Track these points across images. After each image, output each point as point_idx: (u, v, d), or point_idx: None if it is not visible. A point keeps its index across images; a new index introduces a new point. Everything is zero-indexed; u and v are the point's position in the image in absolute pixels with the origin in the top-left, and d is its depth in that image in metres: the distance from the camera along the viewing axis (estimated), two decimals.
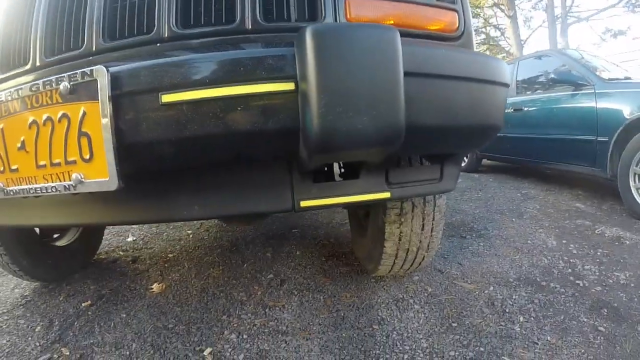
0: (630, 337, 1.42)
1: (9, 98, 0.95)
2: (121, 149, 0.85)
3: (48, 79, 0.90)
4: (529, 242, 2.49)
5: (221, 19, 1.04)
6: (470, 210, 3.36)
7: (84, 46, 1.06)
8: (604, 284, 1.88)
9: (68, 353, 1.51)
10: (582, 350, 1.35)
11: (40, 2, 1.10)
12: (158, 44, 1.03)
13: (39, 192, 0.95)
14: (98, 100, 0.83)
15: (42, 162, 0.94)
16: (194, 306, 1.78)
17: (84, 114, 0.86)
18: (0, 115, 0.97)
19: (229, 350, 1.42)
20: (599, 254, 2.29)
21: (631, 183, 3.05)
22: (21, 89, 0.93)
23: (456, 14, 1.20)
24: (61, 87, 0.87)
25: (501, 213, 3.23)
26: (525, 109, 4.49)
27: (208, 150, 0.89)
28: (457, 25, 1.20)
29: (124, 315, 1.77)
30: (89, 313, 1.84)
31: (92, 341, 1.57)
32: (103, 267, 2.38)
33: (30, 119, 0.93)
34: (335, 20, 1.04)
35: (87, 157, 0.88)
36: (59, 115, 0.89)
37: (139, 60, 0.91)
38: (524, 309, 1.63)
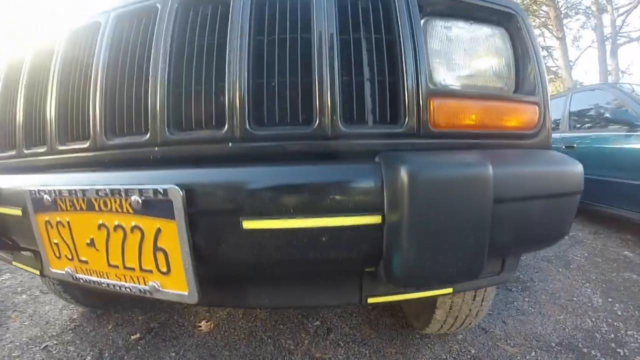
0: None
1: (75, 195, 1.00)
2: (200, 266, 0.93)
3: (117, 187, 0.94)
4: (574, 298, 2.53)
5: (297, 119, 1.03)
6: None
7: (149, 135, 1.06)
8: None
9: None
10: None
11: (98, 80, 1.11)
12: (230, 144, 1.01)
13: (112, 287, 1.04)
14: (174, 220, 0.89)
15: (114, 263, 1.02)
16: (242, 351, 1.93)
17: (159, 230, 0.93)
18: (65, 208, 1.03)
19: None
20: None
21: None
22: (87, 190, 0.98)
23: (537, 108, 1.18)
24: (132, 200, 0.93)
25: (548, 261, 3.28)
26: (577, 146, 4.49)
27: (286, 267, 0.98)
28: (537, 120, 1.19)
29: (173, 354, 1.92)
30: (139, 347, 1.99)
31: None
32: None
33: (99, 222, 0.99)
34: (418, 126, 1.01)
35: (165, 270, 0.96)
36: (131, 226, 0.96)
37: (213, 166, 0.98)
38: None
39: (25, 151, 1.29)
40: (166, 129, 1.04)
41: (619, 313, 2.34)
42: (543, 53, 18.34)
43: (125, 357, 1.90)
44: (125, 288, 1.03)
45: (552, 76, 16.11)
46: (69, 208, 1.02)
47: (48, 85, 1.21)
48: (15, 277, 3.06)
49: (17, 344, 2.07)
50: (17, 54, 1.34)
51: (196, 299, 0.94)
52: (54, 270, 1.13)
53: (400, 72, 1.00)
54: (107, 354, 1.93)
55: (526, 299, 2.52)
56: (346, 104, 1.01)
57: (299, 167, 0.95)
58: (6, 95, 1.38)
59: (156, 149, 1.05)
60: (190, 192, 0.89)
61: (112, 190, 0.95)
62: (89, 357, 1.91)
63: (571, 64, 14.41)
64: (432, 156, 0.94)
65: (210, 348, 1.97)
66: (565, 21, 15.37)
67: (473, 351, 1.91)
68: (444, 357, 1.86)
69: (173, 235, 0.90)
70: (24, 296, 2.72)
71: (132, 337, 2.10)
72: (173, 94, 1.04)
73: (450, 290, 1.16)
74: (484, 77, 1.13)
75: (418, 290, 1.05)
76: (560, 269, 3.08)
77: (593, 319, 2.26)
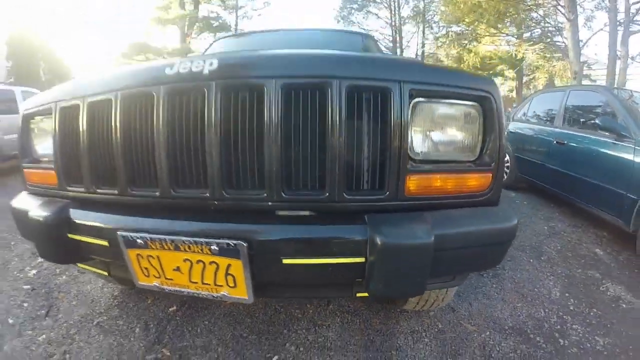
0: None
1: (165, 242, 1.39)
2: (255, 284, 1.42)
3: (199, 240, 1.35)
4: (535, 289, 3.03)
5: (315, 187, 1.42)
6: None
7: (209, 191, 1.42)
8: (581, 347, 2.35)
9: (169, 354, 2.16)
10: None
11: (160, 139, 1.42)
12: (270, 203, 1.40)
13: (190, 294, 1.52)
14: (240, 259, 1.35)
15: (194, 280, 1.47)
16: (260, 318, 2.47)
17: (229, 265, 1.39)
18: (155, 247, 1.43)
19: (291, 355, 2.11)
20: (592, 314, 2.73)
21: None
22: (173, 240, 1.37)
23: (491, 175, 1.54)
24: (212, 248, 1.35)
25: (522, 250, 3.79)
26: (567, 143, 4.89)
27: (308, 281, 1.53)
28: (490, 184, 1.55)
29: (207, 322, 2.45)
30: (177, 318, 2.50)
31: (185, 344, 2.24)
32: None
33: (184, 258, 1.42)
34: (396, 193, 1.43)
35: (232, 285, 1.44)
36: (209, 262, 1.40)
37: (264, 222, 1.41)
38: (506, 356, 2.21)
39: (98, 190, 1.63)
40: (222, 188, 1.41)
41: (571, 308, 2.81)
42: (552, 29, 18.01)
43: (168, 327, 2.40)
44: (202, 295, 1.51)
45: (560, 55, 16.06)
46: (158, 248, 1.42)
47: (113, 136, 1.52)
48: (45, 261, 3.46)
49: (71, 322, 2.50)
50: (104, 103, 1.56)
51: (252, 300, 1.46)
52: (141, 283, 1.57)
53: (388, 154, 1.40)
54: (152, 325, 2.43)
55: (494, 285, 3.04)
56: (348, 176, 1.40)
57: (314, 226, 1.43)
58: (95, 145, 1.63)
59: (216, 202, 1.44)
60: (251, 243, 1.34)
61: (195, 242, 1.36)
62: (137, 329, 2.39)
63: (582, 44, 14.29)
64: (397, 226, 1.36)
65: (235, 316, 2.51)
66: (579, 0, 15.14)
67: (440, 326, 2.45)
68: (417, 328, 2.39)
69: (239, 268, 1.38)
70: (63, 277, 3.15)
71: (170, 309, 2.60)
72: (225, 162, 1.39)
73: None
74: (457, 147, 1.53)
75: (387, 295, 1.56)
76: (531, 260, 3.59)
77: (546, 310, 2.75)
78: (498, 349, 2.28)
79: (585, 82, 17.33)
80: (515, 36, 19.63)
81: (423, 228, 1.34)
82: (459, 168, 1.52)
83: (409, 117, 1.40)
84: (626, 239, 3.92)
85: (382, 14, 31.44)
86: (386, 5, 30.82)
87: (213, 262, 1.39)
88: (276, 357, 2.12)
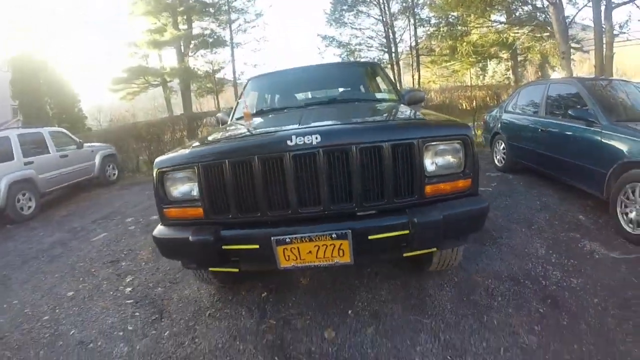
0: (555, 315, 2.96)
1: (303, 238, 2.38)
2: (354, 252, 2.43)
3: (325, 233, 2.34)
4: (525, 250, 4.07)
5: (317, 204, 2.46)
6: (495, 219, 5.02)
7: (322, 206, 2.45)
8: (559, 285, 3.32)
9: (274, 322, 3.13)
10: (525, 319, 2.93)
11: (290, 181, 2.42)
12: (356, 209, 2.48)
13: (314, 266, 2.54)
14: (347, 240, 2.35)
15: (319, 257, 2.46)
16: (329, 289, 3.53)
17: (341, 244, 2.39)
18: (296, 242, 2.39)
19: (359, 310, 3.19)
20: (569, 263, 3.70)
21: (618, 209, 4.37)
22: (310, 236, 2.36)
23: (471, 180, 2.60)
24: (332, 236, 2.33)
25: (517, 222, 4.87)
26: (550, 130, 5.96)
27: (381, 248, 2.61)
28: (471, 185, 2.62)
29: (294, 299, 3.43)
30: (270, 300, 3.45)
31: (284, 314, 3.22)
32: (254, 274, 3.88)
33: (315, 245, 2.39)
34: (420, 196, 2.49)
35: (342, 255, 2.45)
36: (330, 244, 2.37)
37: (356, 221, 2.43)
38: (504, 294, 3.25)
39: (241, 215, 2.60)
40: (330, 204, 2.47)
41: (553, 261, 3.82)
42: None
43: (266, 307, 3.36)
44: (322, 265, 2.53)
45: (548, 35, 16.97)
46: (298, 242, 2.40)
47: (254, 181, 2.50)
48: (135, 278, 4.33)
49: (186, 318, 3.31)
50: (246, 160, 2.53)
51: (353, 262, 2.49)
52: (282, 266, 2.49)
53: (416, 175, 2.48)
54: (253, 308, 3.36)
55: (494, 251, 4.11)
56: (395, 190, 2.48)
57: (380, 218, 2.48)
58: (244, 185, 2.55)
59: (326, 212, 2.48)
60: (353, 231, 2.36)
61: (323, 234, 2.36)
62: (243, 312, 3.31)
63: (568, 22, 15.00)
64: (423, 213, 2.39)
65: (311, 291, 3.55)
66: None
67: (456, 279, 3.52)
68: (440, 282, 3.48)
69: (347, 245, 2.37)
70: (159, 289, 3.95)
71: (262, 295, 3.55)
72: (329, 189, 2.44)
73: (435, 249, 2.80)
74: (452, 166, 2.61)
75: (421, 249, 2.63)
76: (523, 229, 4.65)
77: (533, 263, 3.79)
78: (497, 290, 3.33)
79: (573, 60, 17.90)
80: (504, 22, 20.59)
81: (436, 212, 2.43)
82: (453, 178, 2.60)
83: (424, 153, 2.52)
84: (604, 206, 4.75)
85: (373, 12, 32.06)
86: (375, 3, 31.44)
87: (332, 244, 2.42)
88: (350, 310, 3.18)
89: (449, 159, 2.60)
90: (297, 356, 2.70)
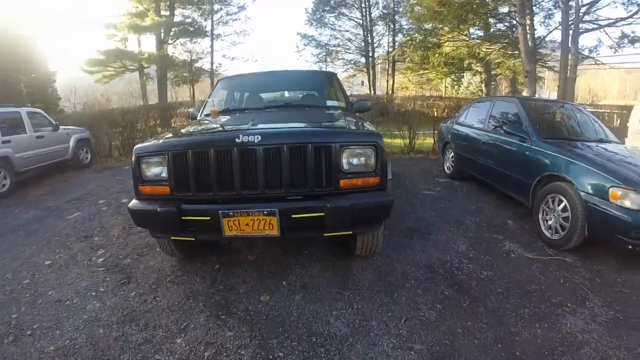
0: (456, 299, 3.65)
1: (243, 212, 3.10)
2: (281, 227, 3.16)
3: (259, 210, 3.08)
4: (448, 245, 4.80)
5: (256, 189, 3.16)
6: (429, 218, 5.81)
7: (259, 190, 3.16)
8: (469, 276, 4.00)
9: (223, 287, 3.82)
10: (430, 298, 3.63)
11: (237, 169, 3.13)
12: (285, 194, 3.18)
13: (251, 236, 3.22)
14: (276, 217, 3.11)
15: (254, 228, 3.13)
16: (272, 265, 4.23)
17: (271, 219, 3.11)
18: (237, 215, 3.10)
19: (292, 282, 3.90)
20: (484, 259, 4.42)
21: (540, 215, 5.13)
22: (248, 211, 3.09)
23: (379, 177, 3.27)
24: (264, 212, 3.08)
25: (447, 222, 5.64)
26: (491, 142, 6.80)
27: (303, 226, 3.29)
28: (380, 181, 3.29)
29: (241, 271, 4.14)
30: (222, 270, 4.16)
31: (231, 282, 3.92)
32: (213, 246, 4.64)
33: (251, 218, 3.09)
34: (336, 188, 3.20)
35: (271, 228, 3.14)
36: (262, 219, 3.09)
37: (284, 202, 3.17)
38: (417, 278, 3.98)
39: (198, 193, 3.25)
40: (265, 189, 3.16)
41: (470, 255, 4.53)
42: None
43: (217, 275, 4.04)
44: (257, 235, 3.22)
45: (517, 53, 17.98)
46: (239, 215, 3.09)
47: (210, 168, 3.19)
48: (107, 250, 4.92)
49: (150, 282, 3.98)
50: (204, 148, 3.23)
51: (280, 235, 3.18)
52: (227, 234, 3.16)
53: (333, 171, 3.19)
54: (206, 276, 4.03)
55: (418, 243, 4.86)
56: (316, 181, 3.18)
57: (304, 202, 3.22)
58: (197, 169, 3.22)
59: (262, 195, 3.18)
60: (280, 210, 3.09)
61: (257, 211, 3.07)
62: (197, 279, 3.98)
63: (538, 43, 16.08)
64: (335, 200, 3.11)
65: (255, 266, 4.25)
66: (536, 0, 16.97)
67: (378, 264, 4.26)
68: (365, 265, 4.21)
69: (275, 220, 3.11)
70: (128, 259, 4.57)
71: (215, 267, 4.24)
72: (265, 178, 3.17)
73: (350, 232, 3.48)
74: (364, 165, 3.30)
75: (336, 231, 3.36)
76: (452, 228, 5.41)
77: (452, 256, 4.50)
78: (412, 274, 4.07)
79: (543, 78, 18.98)
80: (476, 37, 21.81)
81: (346, 200, 3.16)
82: (364, 175, 3.32)
83: (341, 154, 3.23)
84: (531, 214, 5.43)
85: (354, 15, 32.84)
86: (357, 6, 32.16)
87: (264, 219, 3.11)
88: (285, 281, 3.90)
89: (363, 160, 3.32)
90: (237, 312, 3.39)
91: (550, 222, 4.98)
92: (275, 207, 3.12)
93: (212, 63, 30.34)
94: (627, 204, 4.11)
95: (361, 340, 3.04)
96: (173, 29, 27.98)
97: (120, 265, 4.44)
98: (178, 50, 28.91)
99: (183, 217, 3.24)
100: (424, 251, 4.68)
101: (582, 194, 4.51)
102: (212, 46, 30.27)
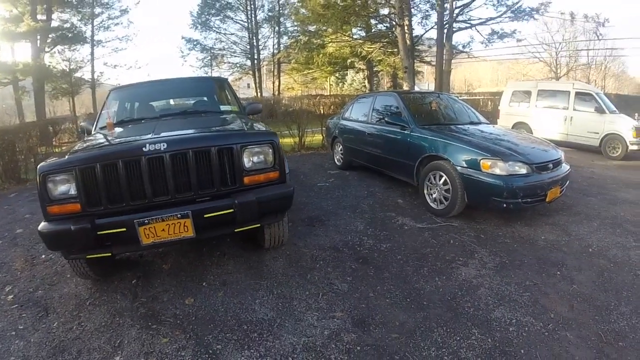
0: (363, 270, 4.11)
1: (157, 219, 3.21)
2: (195, 228, 3.37)
3: (173, 214, 3.22)
4: (347, 227, 5.28)
5: (167, 194, 3.32)
6: (327, 207, 6.27)
7: (170, 196, 3.33)
8: (370, 250, 4.55)
9: (145, 299, 3.79)
10: (340, 273, 4.05)
11: (146, 177, 3.25)
12: (195, 197, 3.38)
13: (168, 241, 3.34)
14: (190, 219, 3.29)
15: (171, 232, 3.26)
16: (190, 271, 4.34)
17: (186, 221, 3.29)
18: (152, 222, 3.24)
19: (211, 281, 4.10)
20: (382, 234, 4.99)
21: (425, 191, 5.96)
22: (162, 217, 3.21)
23: (279, 172, 3.66)
24: (178, 216, 3.23)
25: (344, 208, 6.14)
26: (376, 133, 7.43)
27: (216, 224, 3.48)
28: (280, 176, 3.68)
29: (159, 281, 4.17)
30: (140, 284, 4.05)
31: (153, 292, 3.91)
32: (126, 263, 4.59)
33: (167, 223, 3.26)
34: (240, 185, 3.50)
35: (187, 230, 3.30)
36: (176, 222, 3.29)
37: (195, 204, 3.36)
38: (325, 259, 4.36)
39: (110, 206, 3.25)
40: (175, 194, 3.36)
41: (369, 233, 5.06)
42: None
43: (136, 289, 3.96)
44: (174, 239, 3.36)
45: (397, 50, 19.36)
46: (154, 222, 3.17)
47: (120, 179, 3.21)
48: (15, 286, 4.35)
49: (71, 309, 3.70)
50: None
51: (195, 236, 3.38)
52: (145, 243, 3.22)
53: (236, 170, 3.50)
54: (126, 292, 3.92)
55: (321, 230, 5.27)
56: (223, 181, 3.47)
57: (213, 202, 3.43)
58: (106, 180, 3.24)
59: (173, 200, 3.35)
60: (193, 211, 3.26)
61: (172, 215, 3.22)
62: (118, 296, 3.85)
63: (415, 41, 17.68)
64: (242, 196, 3.42)
65: (172, 274, 4.31)
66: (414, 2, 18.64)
67: (288, 253, 4.58)
68: (275, 255, 4.51)
69: (189, 222, 3.26)
70: (40, 292, 4.15)
71: (132, 281, 4.14)
72: (175, 184, 3.34)
73: (258, 225, 3.80)
74: (263, 162, 3.65)
75: (247, 224, 3.64)
76: (349, 213, 5.93)
77: (352, 236, 4.98)
78: (320, 257, 4.45)
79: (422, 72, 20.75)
80: (359, 37, 23.07)
81: (251, 194, 3.46)
82: (265, 171, 3.65)
83: (242, 154, 3.52)
84: (418, 191, 6.26)
85: (239, 18, 32.94)
86: (243, 9, 32.32)
87: (179, 222, 3.28)
88: (204, 282, 4.06)
89: (262, 157, 3.64)
90: (167, 319, 3.48)
91: (434, 195, 5.81)
92: (188, 210, 3.30)
93: (92, 72, 28.28)
94: (497, 171, 4.99)
95: (288, 319, 3.34)
96: (50, 35, 24.94)
97: (33, 299, 4.07)
98: (56, 59, 26.18)
99: (98, 233, 3.20)
100: (327, 235, 5.10)
101: (458, 168, 5.32)
102: (92, 53, 28.17)
